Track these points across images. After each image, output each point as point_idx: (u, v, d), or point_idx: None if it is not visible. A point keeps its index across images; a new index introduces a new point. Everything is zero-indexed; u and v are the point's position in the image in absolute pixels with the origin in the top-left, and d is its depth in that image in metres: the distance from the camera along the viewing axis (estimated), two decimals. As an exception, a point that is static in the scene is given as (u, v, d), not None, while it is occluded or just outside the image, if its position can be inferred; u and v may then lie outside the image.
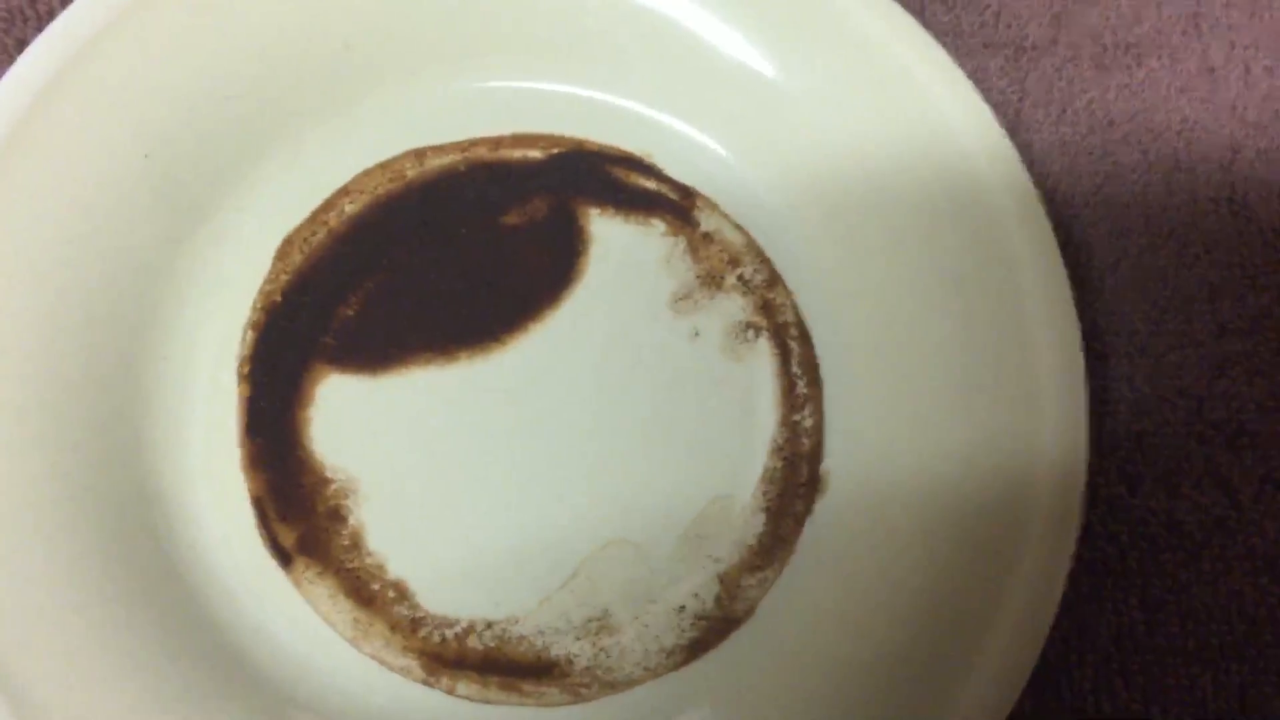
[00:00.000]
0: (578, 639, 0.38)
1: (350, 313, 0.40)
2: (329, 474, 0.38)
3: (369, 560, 0.38)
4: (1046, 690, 0.38)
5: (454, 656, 0.37)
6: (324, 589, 0.38)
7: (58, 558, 0.35)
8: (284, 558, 0.38)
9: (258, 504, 0.38)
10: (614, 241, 0.41)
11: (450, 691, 0.37)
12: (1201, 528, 0.40)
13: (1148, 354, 0.41)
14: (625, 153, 0.41)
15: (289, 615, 0.38)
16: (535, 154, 0.41)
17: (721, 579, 0.38)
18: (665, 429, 0.39)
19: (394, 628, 0.38)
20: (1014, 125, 0.42)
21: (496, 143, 0.41)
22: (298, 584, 0.38)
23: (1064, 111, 0.43)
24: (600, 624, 0.38)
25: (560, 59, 0.41)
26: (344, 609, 0.38)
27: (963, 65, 0.39)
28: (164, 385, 0.38)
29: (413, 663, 0.37)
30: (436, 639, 0.38)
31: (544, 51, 0.41)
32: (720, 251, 0.41)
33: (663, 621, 0.38)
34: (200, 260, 0.39)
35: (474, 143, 0.41)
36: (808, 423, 0.40)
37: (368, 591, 0.38)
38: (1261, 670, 0.39)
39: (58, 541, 0.35)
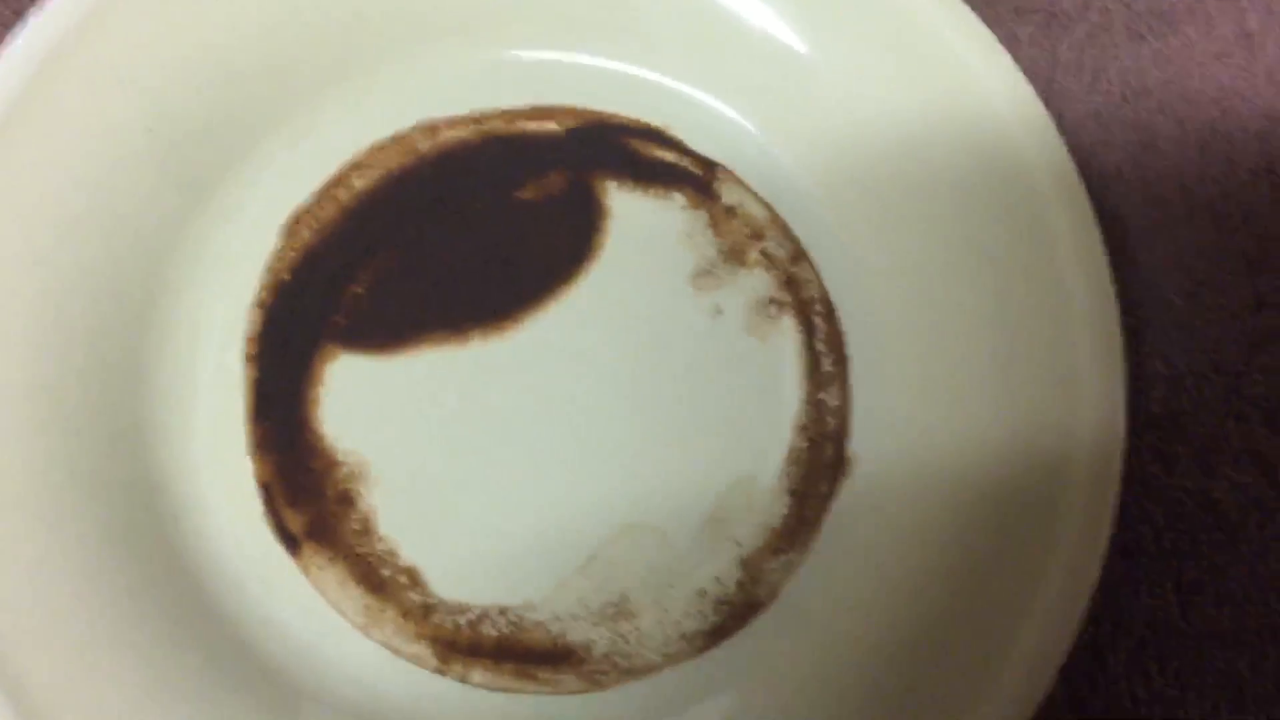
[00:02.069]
0: (595, 625, 0.37)
1: (360, 291, 0.39)
2: (339, 457, 0.38)
3: (380, 546, 0.37)
4: (1079, 676, 0.37)
5: (467, 644, 0.37)
6: (333, 575, 0.37)
7: (59, 547, 0.34)
8: (292, 544, 0.37)
9: (265, 489, 0.37)
10: (633, 216, 0.40)
11: (464, 679, 0.36)
12: (1239, 508, 0.39)
13: (1183, 328, 0.40)
14: (645, 125, 0.40)
15: (297, 603, 0.37)
16: (552, 126, 0.40)
17: (743, 562, 0.37)
18: (686, 409, 0.38)
19: (406, 615, 0.37)
20: (1045, 95, 0.41)
21: (512, 115, 0.40)
22: (306, 571, 0.37)
23: (1096, 80, 0.41)
24: (618, 609, 0.37)
25: (579, 29, 0.40)
26: (354, 596, 0.37)
27: (992, 33, 0.38)
28: (168, 367, 0.37)
29: (425, 650, 0.37)
30: (449, 626, 0.37)
31: (562, 21, 0.40)
32: (743, 226, 0.40)
33: (683, 606, 0.37)
34: (205, 238, 0.38)
35: (489, 115, 0.40)
36: (833, 401, 0.39)
37: (378, 578, 0.37)
38: (1302, 656, 0.38)
39: (59, 530, 0.34)
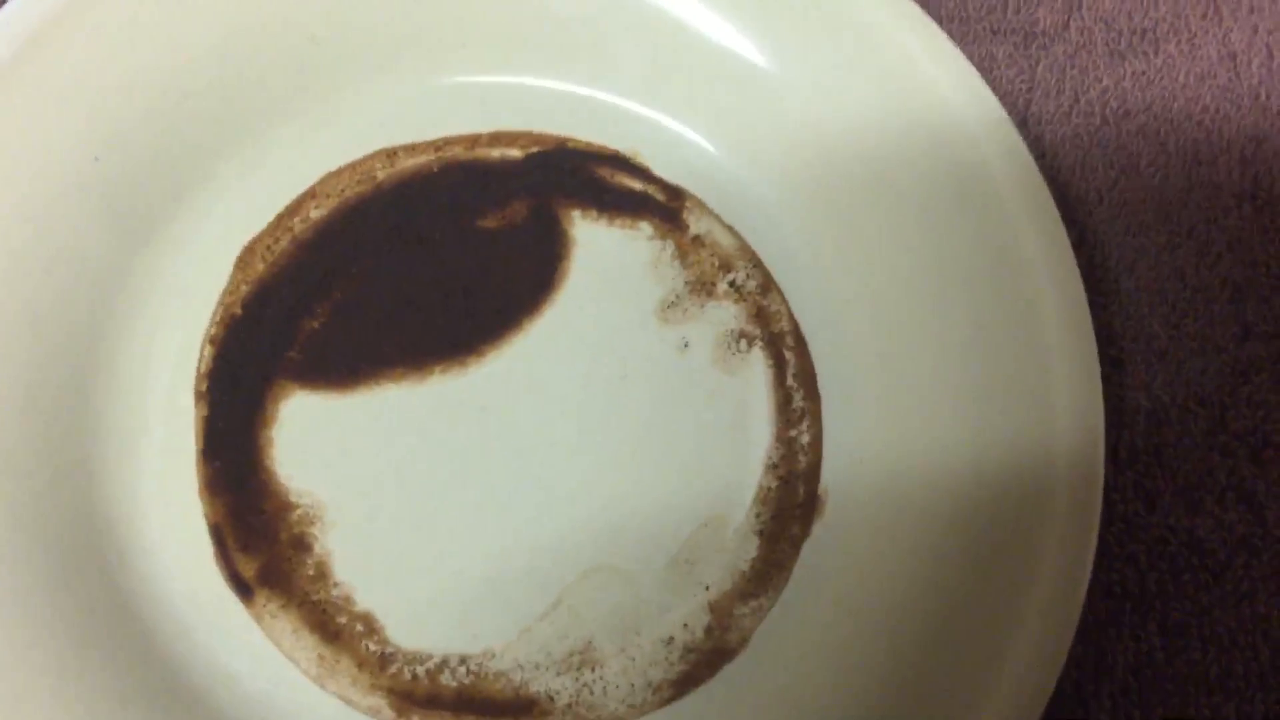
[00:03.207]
0: (559, 674, 0.36)
1: (316, 325, 0.38)
2: (293, 499, 0.37)
3: (335, 592, 0.36)
4: (1061, 723, 0.36)
5: (425, 695, 0.36)
6: (287, 623, 0.36)
7: (0, 592, 0.33)
8: (244, 590, 0.36)
9: (216, 532, 0.36)
10: (598, 245, 0.39)
11: (422, 732, 0.36)
12: (1225, 546, 0.38)
13: (1167, 360, 0.39)
14: (610, 151, 0.40)
15: (249, 651, 0.36)
16: (514, 153, 0.40)
17: (712, 608, 0.36)
18: (653, 447, 0.37)
19: (361, 664, 0.36)
20: (1023, 117, 0.41)
21: (473, 141, 0.40)
22: (259, 618, 0.36)
23: (1076, 102, 0.41)
24: (583, 657, 0.36)
25: (540, 52, 0.40)
26: (308, 644, 0.36)
27: (968, 53, 0.38)
28: (116, 405, 0.37)
29: (381, 702, 0.35)
30: (407, 676, 0.36)
31: (523, 44, 0.40)
32: (711, 256, 0.39)
33: (650, 654, 0.36)
34: (155, 271, 0.38)
35: (448, 141, 0.40)
36: (805, 438, 0.38)
37: (334, 625, 0.36)
38: (1289, 700, 0.37)
39: (0, 575, 0.33)
